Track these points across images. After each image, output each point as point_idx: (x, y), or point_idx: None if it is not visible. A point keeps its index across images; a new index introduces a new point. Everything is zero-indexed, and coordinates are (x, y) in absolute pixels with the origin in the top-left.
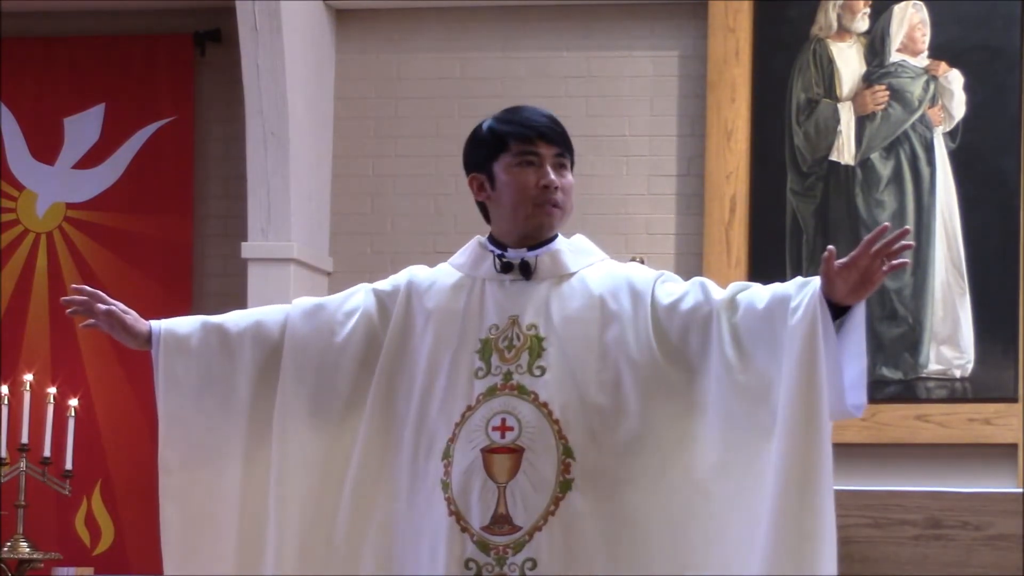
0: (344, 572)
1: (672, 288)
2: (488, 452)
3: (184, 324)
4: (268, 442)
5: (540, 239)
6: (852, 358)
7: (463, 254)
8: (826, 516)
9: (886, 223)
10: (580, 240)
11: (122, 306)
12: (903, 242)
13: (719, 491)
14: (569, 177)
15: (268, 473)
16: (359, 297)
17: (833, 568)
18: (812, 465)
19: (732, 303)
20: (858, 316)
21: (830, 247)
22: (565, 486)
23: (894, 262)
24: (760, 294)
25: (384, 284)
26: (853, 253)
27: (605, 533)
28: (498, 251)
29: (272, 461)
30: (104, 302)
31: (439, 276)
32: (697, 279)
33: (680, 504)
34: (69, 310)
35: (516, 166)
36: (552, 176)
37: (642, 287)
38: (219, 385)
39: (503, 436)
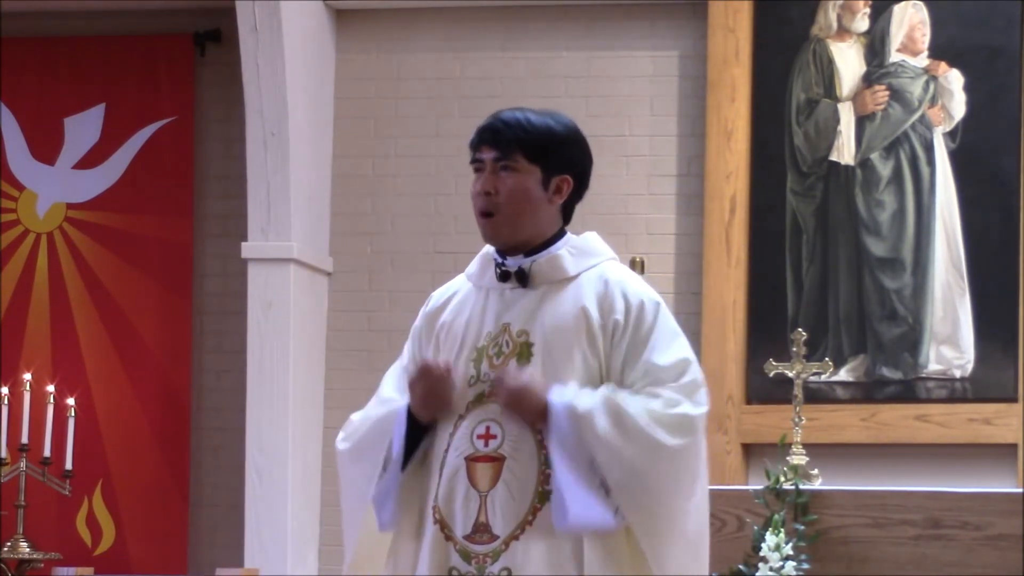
0: None
1: (638, 329)
2: (472, 460)
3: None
4: None
5: (524, 245)
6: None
7: (474, 264)
8: None
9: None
10: (588, 239)
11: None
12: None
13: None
14: (511, 180)
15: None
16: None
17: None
18: None
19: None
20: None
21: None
22: (543, 496)
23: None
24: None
25: (417, 319)
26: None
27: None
28: (499, 259)
29: None
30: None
31: (451, 290)
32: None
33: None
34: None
35: (474, 175)
36: (478, 184)
37: (620, 308)
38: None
39: (486, 444)
